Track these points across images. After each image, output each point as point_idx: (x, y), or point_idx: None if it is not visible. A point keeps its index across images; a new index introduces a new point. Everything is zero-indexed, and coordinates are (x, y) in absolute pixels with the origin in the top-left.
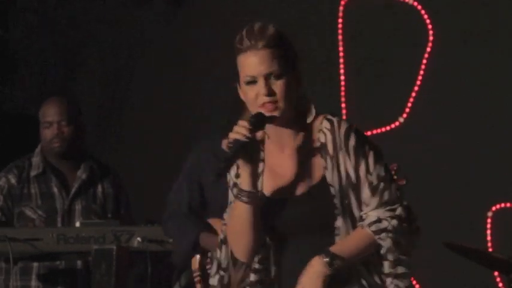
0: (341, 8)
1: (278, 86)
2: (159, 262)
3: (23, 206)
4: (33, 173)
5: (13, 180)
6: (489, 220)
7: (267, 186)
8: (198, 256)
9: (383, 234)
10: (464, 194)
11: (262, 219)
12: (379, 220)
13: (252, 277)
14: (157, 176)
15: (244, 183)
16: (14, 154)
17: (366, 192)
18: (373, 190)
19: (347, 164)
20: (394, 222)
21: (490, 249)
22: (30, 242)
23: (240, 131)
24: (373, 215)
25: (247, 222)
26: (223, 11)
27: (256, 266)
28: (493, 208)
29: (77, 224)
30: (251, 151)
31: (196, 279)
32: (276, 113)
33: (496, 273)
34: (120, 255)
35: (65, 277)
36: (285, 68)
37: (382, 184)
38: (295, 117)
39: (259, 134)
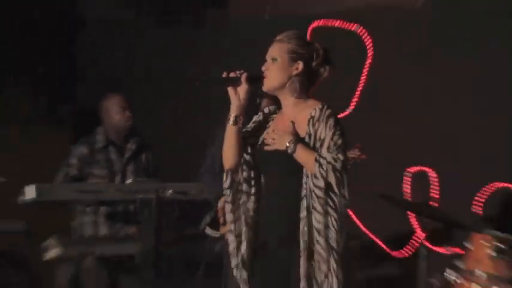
0: (309, 31)
1: (269, 66)
2: (184, 207)
3: (92, 168)
4: (98, 145)
5: (85, 151)
6: (408, 179)
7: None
8: (222, 199)
9: (326, 163)
10: (392, 160)
11: (257, 153)
12: (327, 157)
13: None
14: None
15: (232, 109)
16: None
17: (325, 150)
18: (329, 150)
19: (322, 132)
20: (337, 162)
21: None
22: (97, 193)
23: (238, 71)
24: (325, 154)
25: (232, 139)
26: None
27: (253, 191)
28: (412, 169)
29: (128, 181)
30: (237, 85)
31: (220, 215)
32: (264, 82)
33: (411, 215)
34: (158, 202)
35: (122, 217)
36: (282, 57)
37: (336, 146)
38: (294, 95)
39: (243, 77)
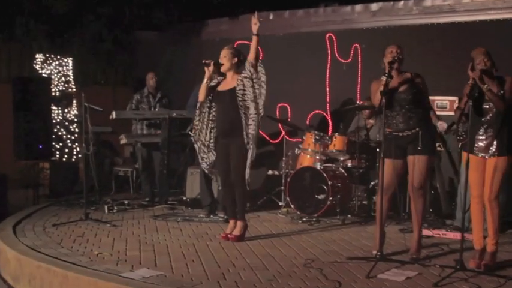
0: (235, 44)
1: (223, 59)
2: (181, 121)
3: (142, 104)
4: (145, 94)
5: (139, 96)
6: (277, 109)
7: (220, 87)
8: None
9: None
10: (274, 102)
11: (214, 95)
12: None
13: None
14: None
15: (205, 77)
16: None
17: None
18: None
19: (245, 82)
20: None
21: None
22: (143, 114)
23: (209, 60)
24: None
25: (204, 88)
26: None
27: (213, 113)
28: (280, 104)
29: (157, 110)
30: (208, 67)
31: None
32: (221, 66)
33: (280, 124)
34: (170, 120)
35: (154, 125)
36: (228, 55)
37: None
38: (233, 70)
39: (210, 66)
